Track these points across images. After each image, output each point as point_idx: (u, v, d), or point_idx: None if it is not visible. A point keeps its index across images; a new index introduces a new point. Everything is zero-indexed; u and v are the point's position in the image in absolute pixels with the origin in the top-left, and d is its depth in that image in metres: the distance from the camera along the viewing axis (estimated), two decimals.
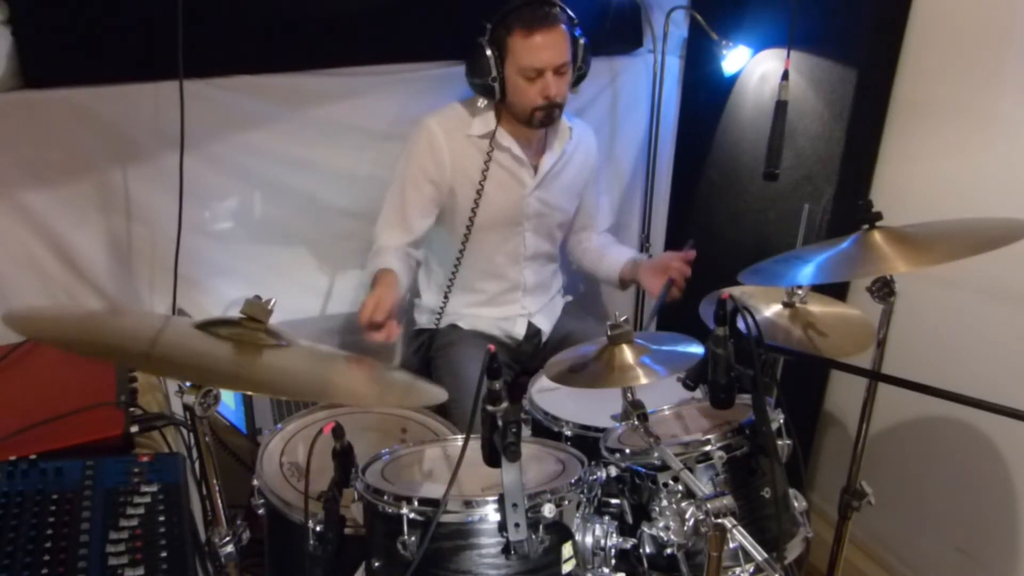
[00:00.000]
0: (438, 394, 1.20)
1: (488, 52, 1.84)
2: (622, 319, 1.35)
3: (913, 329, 1.88)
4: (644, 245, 2.58)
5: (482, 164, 1.95)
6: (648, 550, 1.24)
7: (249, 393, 1.80)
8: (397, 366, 2.40)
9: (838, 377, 2.22)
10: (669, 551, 1.22)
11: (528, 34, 1.79)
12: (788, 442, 1.36)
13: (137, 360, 1.12)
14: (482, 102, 1.94)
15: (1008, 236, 1.26)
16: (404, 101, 2.12)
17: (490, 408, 1.03)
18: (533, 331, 2.18)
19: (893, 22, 1.86)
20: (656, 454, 1.24)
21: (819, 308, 1.63)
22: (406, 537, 1.08)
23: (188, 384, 1.02)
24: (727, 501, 1.09)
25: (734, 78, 2.26)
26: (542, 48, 1.80)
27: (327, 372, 1.16)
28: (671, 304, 1.97)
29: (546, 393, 1.75)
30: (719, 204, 2.39)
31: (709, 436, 1.29)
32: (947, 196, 1.84)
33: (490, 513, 1.08)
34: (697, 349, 1.35)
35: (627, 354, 1.33)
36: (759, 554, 1.06)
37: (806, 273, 1.38)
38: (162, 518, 1.15)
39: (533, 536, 1.08)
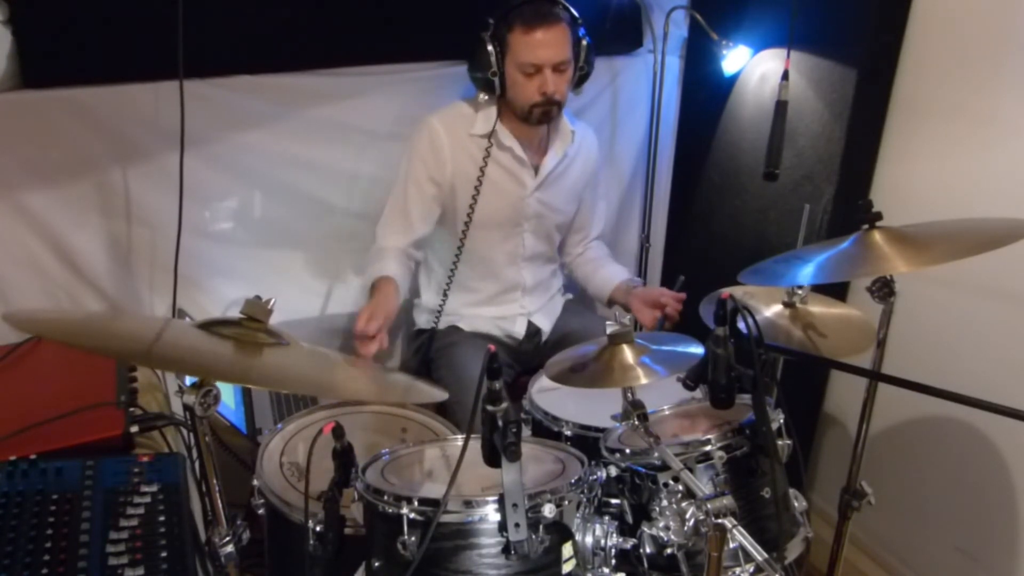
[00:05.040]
0: (438, 393, 1.21)
1: (489, 47, 1.85)
2: (623, 319, 1.35)
3: (913, 329, 1.88)
4: (644, 245, 2.57)
5: (482, 162, 1.96)
6: (648, 550, 1.23)
7: (249, 386, 1.81)
8: (396, 367, 2.40)
9: (838, 377, 2.21)
10: (669, 551, 1.22)
11: (528, 30, 1.81)
12: (788, 442, 1.36)
13: (138, 356, 1.12)
14: (483, 98, 1.95)
15: (1008, 236, 1.26)
16: (406, 101, 2.12)
17: (490, 408, 1.03)
18: (533, 330, 2.18)
19: (893, 22, 1.86)
20: (656, 454, 1.24)
21: (819, 308, 1.63)
22: (406, 537, 1.08)
23: (188, 383, 1.02)
24: (727, 501, 1.09)
25: (734, 78, 2.26)
26: (541, 45, 1.81)
27: (326, 369, 1.16)
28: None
29: (546, 393, 1.75)
30: (719, 204, 2.39)
31: (709, 436, 1.29)
32: (947, 196, 1.84)
33: (490, 513, 1.08)
34: (697, 349, 1.35)
35: (627, 354, 1.33)
36: (759, 554, 1.06)
37: (806, 273, 1.38)
38: (162, 518, 1.15)
39: (533, 536, 1.08)
